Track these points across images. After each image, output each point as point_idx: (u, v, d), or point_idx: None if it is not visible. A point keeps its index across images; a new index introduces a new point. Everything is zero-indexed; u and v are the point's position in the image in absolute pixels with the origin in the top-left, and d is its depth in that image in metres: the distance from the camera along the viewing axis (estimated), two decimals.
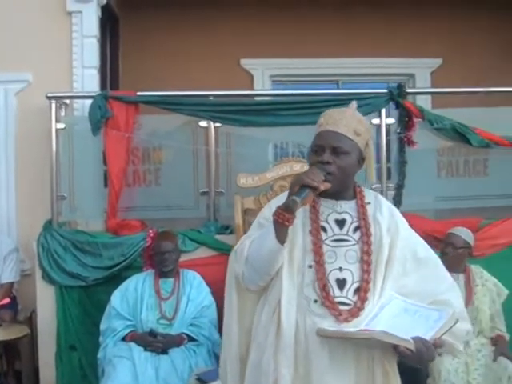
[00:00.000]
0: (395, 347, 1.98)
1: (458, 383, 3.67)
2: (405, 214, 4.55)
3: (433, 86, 6.87)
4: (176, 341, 3.88)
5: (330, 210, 2.27)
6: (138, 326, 3.97)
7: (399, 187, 4.64)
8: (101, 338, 4.04)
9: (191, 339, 3.93)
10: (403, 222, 2.35)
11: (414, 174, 4.68)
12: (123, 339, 3.94)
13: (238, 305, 2.32)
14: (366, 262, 2.19)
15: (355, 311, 2.14)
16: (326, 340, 2.11)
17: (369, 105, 4.63)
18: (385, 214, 2.29)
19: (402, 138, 4.63)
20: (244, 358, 2.31)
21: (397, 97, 4.64)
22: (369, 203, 2.31)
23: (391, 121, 4.72)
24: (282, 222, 2.09)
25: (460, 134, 4.66)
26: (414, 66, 7.02)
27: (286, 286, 2.19)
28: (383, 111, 4.70)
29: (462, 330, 2.18)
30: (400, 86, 4.72)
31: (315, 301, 2.16)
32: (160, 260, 4.11)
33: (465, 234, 4.11)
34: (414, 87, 6.77)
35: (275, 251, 2.15)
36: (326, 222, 2.25)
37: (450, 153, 4.87)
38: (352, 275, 2.18)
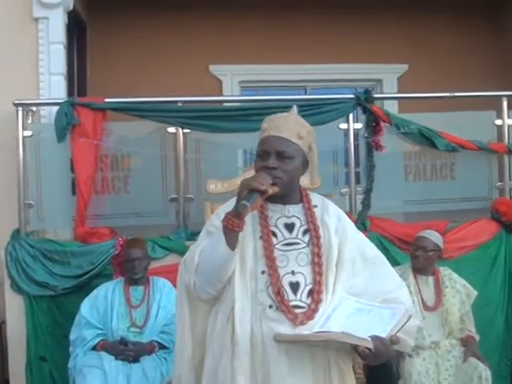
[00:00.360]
0: (355, 347, 2.00)
1: None
2: (374, 218, 4.68)
3: (399, 92, 6.94)
4: (147, 349, 3.86)
5: (279, 214, 2.29)
6: (108, 334, 3.93)
7: (368, 191, 4.67)
8: (71, 348, 3.99)
9: (162, 347, 3.91)
10: (350, 224, 2.40)
11: (383, 177, 4.71)
12: (94, 348, 3.90)
13: (189, 316, 2.33)
14: (317, 264, 2.22)
15: (310, 313, 2.16)
16: (284, 345, 2.12)
17: (336, 110, 4.67)
18: (332, 217, 2.33)
19: (369, 143, 4.67)
20: (198, 369, 2.32)
21: (364, 102, 4.68)
22: (316, 206, 2.34)
23: (359, 126, 4.75)
24: (231, 228, 2.11)
25: (427, 138, 4.72)
26: (381, 71, 7.08)
27: (238, 293, 2.19)
28: (351, 116, 4.74)
29: (413, 327, 2.22)
30: (367, 91, 4.77)
31: (270, 306, 2.17)
32: (129, 267, 4.08)
33: (435, 236, 4.15)
34: (381, 92, 6.84)
35: (226, 258, 2.15)
36: (276, 226, 2.27)
37: (417, 157, 4.92)
38: (304, 278, 2.20)
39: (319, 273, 2.21)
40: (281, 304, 2.15)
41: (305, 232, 2.27)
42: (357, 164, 4.78)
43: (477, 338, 4.01)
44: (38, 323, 4.42)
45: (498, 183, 4.93)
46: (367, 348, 1.98)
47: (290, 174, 2.23)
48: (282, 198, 2.27)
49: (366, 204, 4.62)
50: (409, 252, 4.21)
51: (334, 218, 2.33)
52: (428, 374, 3.75)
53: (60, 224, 4.78)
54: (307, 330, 2.12)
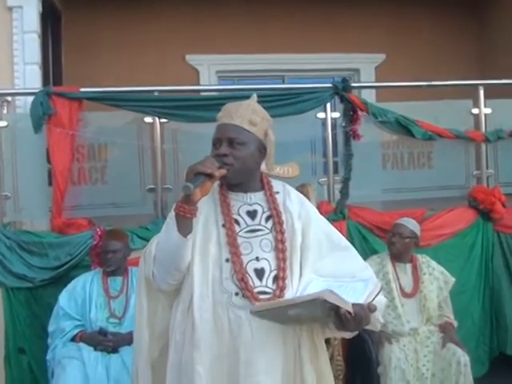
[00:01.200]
0: (336, 311, 1.99)
1: (408, 370, 3.74)
2: (352, 207, 4.70)
3: (377, 81, 6.96)
4: (126, 339, 3.82)
5: (241, 202, 2.29)
6: (87, 325, 3.91)
7: (346, 180, 4.69)
8: (49, 340, 3.96)
9: None
10: (313, 209, 2.41)
11: (360, 166, 4.73)
12: (72, 340, 3.87)
13: (148, 309, 2.33)
14: (280, 250, 2.23)
15: (275, 299, 2.15)
16: (254, 328, 2.12)
17: (314, 99, 4.67)
18: (294, 202, 2.34)
19: (347, 132, 4.68)
20: (155, 363, 2.32)
21: (342, 91, 4.68)
22: (277, 193, 2.35)
23: (336, 115, 4.76)
24: (183, 215, 2.11)
25: (404, 127, 4.75)
26: (358, 61, 7.13)
27: (197, 282, 2.19)
28: (328, 105, 4.74)
29: (382, 302, 2.22)
30: (345, 80, 4.78)
31: (236, 293, 2.17)
32: (103, 259, 4.07)
33: (411, 224, 4.18)
34: (358, 82, 6.85)
35: (179, 245, 2.15)
36: (238, 214, 2.27)
37: (395, 145, 4.95)
38: (269, 264, 2.21)
39: (283, 259, 2.22)
40: (245, 290, 2.15)
41: (267, 218, 2.28)
42: (335, 153, 4.79)
43: (455, 324, 4.06)
44: (16, 315, 4.38)
45: (475, 171, 4.98)
46: (348, 312, 1.98)
47: (241, 160, 2.22)
48: (243, 186, 2.28)
49: (345, 193, 4.64)
50: (386, 240, 4.24)
51: (297, 204, 2.34)
52: (407, 360, 3.79)
53: (37, 215, 4.72)
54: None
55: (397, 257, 4.09)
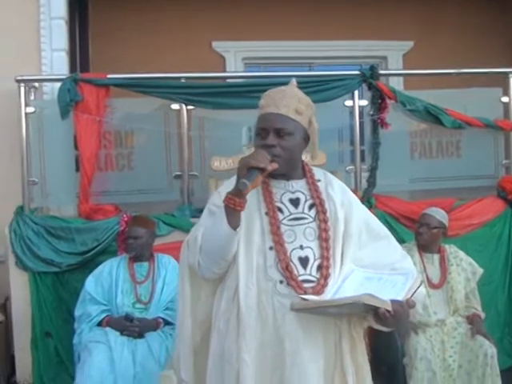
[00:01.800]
0: (375, 311, 2.00)
1: (435, 361, 3.71)
2: (379, 196, 4.67)
3: (405, 68, 6.88)
4: (152, 325, 3.86)
5: (283, 190, 2.28)
6: (113, 310, 3.94)
7: (373, 169, 4.65)
8: (76, 324, 4.00)
9: (167, 323, 3.91)
10: (355, 198, 2.39)
11: (388, 155, 4.69)
12: (99, 324, 3.91)
13: (191, 297, 2.32)
14: (324, 239, 2.22)
15: (319, 288, 2.15)
16: (298, 320, 2.12)
17: (342, 87, 4.64)
18: (336, 190, 2.33)
19: (375, 120, 4.64)
20: (197, 348, 2.32)
21: (369, 78, 4.64)
22: (319, 180, 2.33)
23: (364, 103, 4.73)
24: (233, 208, 2.10)
25: (432, 116, 4.70)
26: (386, 48, 7.03)
27: (242, 270, 2.18)
28: (356, 93, 4.70)
29: (421, 293, 2.22)
30: (372, 68, 4.72)
31: (281, 281, 2.16)
32: (126, 244, 4.11)
33: (439, 214, 4.14)
34: (386, 69, 6.78)
35: (228, 237, 2.14)
36: (281, 202, 2.26)
37: (423, 134, 4.90)
38: (313, 252, 2.20)
39: (327, 248, 2.20)
40: (290, 279, 2.14)
41: (310, 206, 2.27)
42: (362, 142, 4.76)
43: (482, 315, 4.02)
44: (42, 299, 4.43)
45: (505, 161, 4.92)
46: (387, 311, 1.98)
47: (289, 150, 2.21)
48: (285, 174, 2.26)
49: (372, 182, 4.61)
50: (413, 229, 4.21)
51: (339, 192, 2.33)
52: (433, 351, 3.76)
53: (64, 201, 4.76)
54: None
55: (424, 247, 4.05)
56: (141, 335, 3.79)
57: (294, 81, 2.36)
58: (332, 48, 6.84)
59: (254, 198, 2.23)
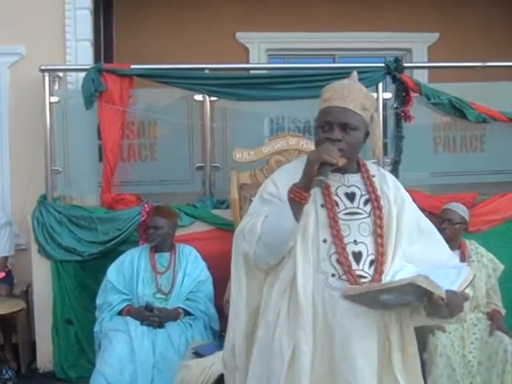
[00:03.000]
0: (429, 297, 1.97)
1: (454, 357, 3.68)
2: None
3: (430, 61, 6.82)
4: (172, 315, 3.89)
5: (338, 183, 2.25)
6: (134, 300, 3.97)
7: (396, 162, 4.64)
8: (97, 313, 4.04)
9: (187, 313, 3.94)
10: (407, 195, 2.36)
11: (411, 149, 4.67)
12: (119, 313, 3.94)
13: (246, 286, 2.28)
14: (379, 235, 2.19)
15: (372, 284, 2.13)
16: (348, 311, 2.11)
17: (366, 79, 4.58)
18: (390, 186, 2.30)
19: (398, 113, 4.62)
20: (250, 335, 2.30)
21: (394, 71, 4.61)
22: (373, 176, 2.30)
23: (388, 95, 4.70)
24: (298, 201, 2.08)
25: (457, 109, 4.66)
26: (410, 40, 6.96)
27: (300, 262, 2.16)
28: (380, 86, 4.67)
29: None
30: (397, 60, 4.69)
31: (333, 275, 2.14)
32: (146, 234, 4.14)
33: (461, 209, 4.10)
34: (411, 62, 6.72)
35: (292, 230, 2.12)
36: (336, 195, 2.23)
37: (447, 128, 4.87)
38: (367, 248, 2.18)
39: (381, 244, 2.18)
40: (347, 273, 2.12)
41: (366, 202, 2.24)
42: (385, 134, 4.73)
43: (503, 312, 3.98)
44: (64, 287, 4.49)
45: None
46: (441, 298, 1.96)
47: (353, 145, 2.19)
48: (341, 168, 2.20)
49: (394, 175, 4.54)
50: (436, 224, 4.17)
51: (392, 188, 2.30)
52: (453, 346, 3.73)
53: (87, 190, 4.81)
54: None
55: (446, 243, 4.01)
56: (161, 325, 3.81)
57: (355, 73, 2.32)
58: (356, 40, 6.78)
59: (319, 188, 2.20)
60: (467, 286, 2.05)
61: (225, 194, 4.52)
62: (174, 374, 3.41)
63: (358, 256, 2.16)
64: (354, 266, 2.14)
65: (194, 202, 4.60)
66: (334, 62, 6.87)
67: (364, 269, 2.15)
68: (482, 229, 4.51)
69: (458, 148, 4.86)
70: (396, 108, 4.62)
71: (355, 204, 2.22)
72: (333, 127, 2.16)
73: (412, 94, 4.59)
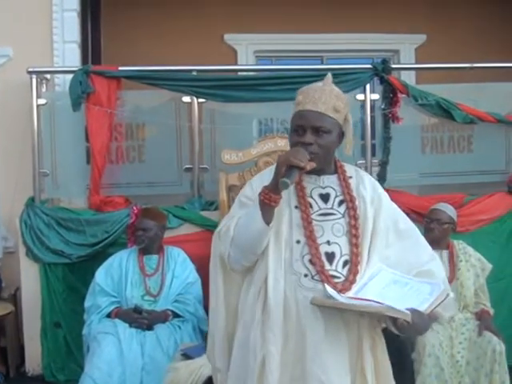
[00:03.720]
0: (394, 321, 2.00)
1: (443, 357, 3.69)
2: (389, 190, 4.63)
3: (417, 62, 6.85)
4: (161, 317, 3.88)
5: (313, 185, 2.27)
6: (122, 302, 3.96)
7: (384, 163, 4.65)
8: (85, 315, 4.02)
9: (176, 315, 3.93)
10: (385, 195, 2.37)
11: (399, 150, 4.69)
12: (108, 316, 3.93)
13: (224, 287, 2.32)
14: (354, 235, 2.21)
15: (348, 285, 2.15)
16: (320, 313, 2.12)
17: (353, 80, 4.62)
18: (367, 188, 2.31)
19: (386, 114, 4.63)
20: (230, 337, 2.32)
21: (381, 72, 4.62)
22: (350, 177, 2.32)
23: (376, 96, 4.72)
24: (268, 203, 2.10)
25: (444, 110, 4.68)
26: (398, 41, 6.99)
27: (272, 263, 2.18)
28: (368, 87, 4.69)
29: (450, 299, 2.19)
30: (384, 62, 4.71)
31: (305, 275, 2.16)
32: (134, 236, 4.13)
33: (449, 209, 4.12)
34: (398, 63, 6.74)
35: (262, 232, 2.14)
36: (311, 196, 2.25)
37: (435, 129, 4.89)
38: (340, 248, 2.20)
39: (356, 244, 2.20)
40: (320, 273, 2.14)
41: (340, 203, 2.26)
42: (373, 136, 4.75)
43: (491, 312, 3.99)
44: (52, 290, 4.47)
45: None
46: (405, 321, 1.98)
47: (326, 148, 2.20)
48: (316, 169, 2.22)
49: (382, 176, 4.60)
50: (423, 225, 4.19)
51: (370, 189, 2.31)
52: (442, 346, 3.74)
53: (74, 192, 4.79)
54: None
55: (434, 243, 4.00)
56: (149, 327, 3.81)
57: (329, 76, 2.32)
58: (344, 41, 6.80)
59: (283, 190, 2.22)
60: (438, 305, 2.06)
61: (213, 195, 4.52)
62: (163, 376, 3.40)
63: (330, 256, 2.18)
64: (327, 266, 2.16)
65: (183, 203, 4.59)
66: (322, 64, 6.89)
67: (337, 269, 2.17)
68: (470, 229, 4.53)
69: (446, 149, 4.88)
70: (384, 109, 4.63)
71: (329, 205, 2.24)
72: (305, 131, 2.18)
73: (399, 95, 4.61)
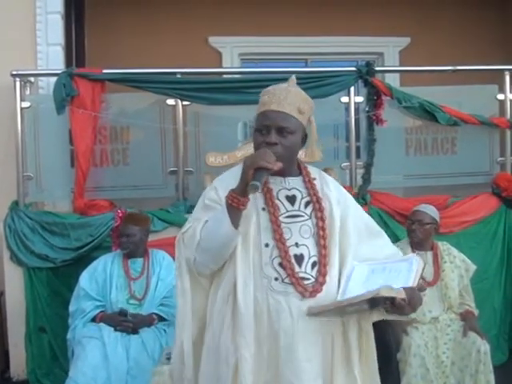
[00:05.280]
0: (392, 301, 2.03)
1: (428, 357, 3.71)
2: (374, 192, 4.67)
3: (401, 65, 6.88)
4: (146, 321, 3.86)
5: (279, 187, 2.28)
6: (107, 306, 3.93)
7: (368, 165, 4.67)
8: (70, 320, 3.99)
9: (161, 319, 3.92)
10: (350, 196, 2.42)
11: (383, 152, 4.71)
12: (93, 320, 3.90)
13: (191, 290, 2.29)
14: (321, 236, 2.22)
15: (318, 286, 2.16)
16: (292, 315, 2.12)
17: (337, 83, 4.64)
18: (332, 189, 2.34)
19: (370, 117, 4.65)
20: (196, 343, 2.30)
21: (365, 75, 4.65)
22: (314, 179, 2.33)
23: (360, 99, 4.73)
24: (236, 207, 2.09)
25: (428, 112, 4.70)
26: (382, 44, 7.03)
27: (240, 266, 2.17)
28: (352, 89, 4.70)
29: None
30: (368, 64, 4.73)
31: (276, 278, 2.16)
32: (119, 241, 4.10)
33: (430, 210, 4.13)
34: (382, 66, 6.78)
35: (230, 235, 2.14)
36: (277, 199, 2.25)
37: (419, 131, 4.91)
38: (308, 250, 2.20)
39: (324, 246, 2.21)
40: (291, 276, 2.14)
41: (306, 204, 2.27)
42: (357, 138, 4.76)
43: (476, 312, 4.01)
44: (37, 295, 4.44)
45: (500, 158, 4.94)
46: (402, 299, 2.01)
47: (290, 149, 2.22)
48: (281, 171, 2.23)
49: (367, 178, 4.62)
50: (406, 226, 4.20)
51: (334, 190, 2.34)
52: (427, 347, 3.75)
53: (59, 196, 4.77)
54: (313, 303, 2.13)
55: (418, 244, 4.04)
56: (135, 331, 3.79)
57: (293, 77, 2.34)
58: (328, 44, 6.83)
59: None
60: (420, 277, 2.10)
61: (198, 198, 4.49)
62: (148, 379, 3.38)
63: (299, 258, 2.18)
64: (297, 268, 2.16)
65: (167, 206, 4.58)
66: (306, 66, 6.92)
67: (306, 271, 2.18)
68: (454, 230, 4.56)
69: (430, 151, 4.90)
70: (368, 111, 4.65)
71: (296, 207, 2.25)
72: (270, 131, 2.19)
73: (383, 98, 4.63)
